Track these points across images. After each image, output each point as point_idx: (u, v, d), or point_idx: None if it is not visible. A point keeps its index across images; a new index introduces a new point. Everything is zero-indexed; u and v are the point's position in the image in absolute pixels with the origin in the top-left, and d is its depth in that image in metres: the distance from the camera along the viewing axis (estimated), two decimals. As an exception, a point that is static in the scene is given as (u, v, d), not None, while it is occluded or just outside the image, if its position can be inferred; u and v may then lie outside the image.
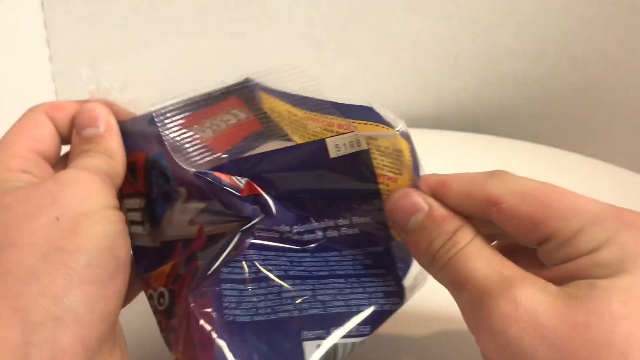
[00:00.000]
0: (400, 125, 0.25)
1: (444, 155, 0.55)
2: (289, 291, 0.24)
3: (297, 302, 0.24)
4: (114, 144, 0.25)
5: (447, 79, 0.60)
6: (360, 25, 0.57)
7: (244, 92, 0.31)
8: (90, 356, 0.20)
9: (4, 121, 0.49)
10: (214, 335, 0.21)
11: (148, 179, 0.26)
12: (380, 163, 0.24)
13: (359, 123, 0.25)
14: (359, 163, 0.24)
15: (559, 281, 0.19)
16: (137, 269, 0.25)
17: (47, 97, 0.55)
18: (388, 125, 0.25)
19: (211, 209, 0.24)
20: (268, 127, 0.28)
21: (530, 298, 0.18)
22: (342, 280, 0.25)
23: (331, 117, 0.26)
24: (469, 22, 0.57)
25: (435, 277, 0.23)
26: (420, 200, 0.23)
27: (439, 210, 0.22)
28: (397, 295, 0.25)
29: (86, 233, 0.21)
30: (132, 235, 0.24)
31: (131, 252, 0.24)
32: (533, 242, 0.22)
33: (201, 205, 0.24)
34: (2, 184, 0.22)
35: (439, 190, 0.23)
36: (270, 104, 0.30)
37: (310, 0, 0.55)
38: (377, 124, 0.25)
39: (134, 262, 0.25)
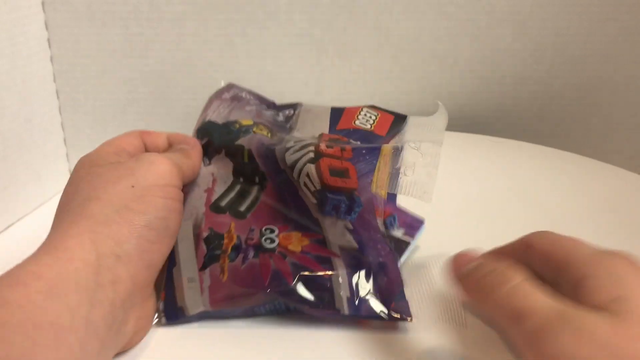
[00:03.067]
0: None
1: (444, 155, 0.55)
2: None
3: None
4: (194, 154, 0.35)
5: (447, 80, 0.60)
6: (360, 25, 0.57)
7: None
8: (134, 291, 0.27)
9: (4, 121, 0.50)
10: None
11: None
12: None
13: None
14: None
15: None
16: None
17: (48, 97, 0.55)
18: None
19: None
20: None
21: (591, 324, 0.20)
22: None
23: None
24: (468, 22, 0.57)
25: (487, 312, 0.25)
26: (474, 255, 0.28)
27: (491, 255, 0.27)
28: None
29: (150, 201, 0.28)
30: None
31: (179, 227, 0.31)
32: (557, 278, 0.25)
33: None
34: (99, 160, 0.31)
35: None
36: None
37: (310, 0, 0.55)
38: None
39: None
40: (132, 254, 0.26)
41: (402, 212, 0.39)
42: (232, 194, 0.34)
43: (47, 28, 0.54)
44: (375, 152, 0.34)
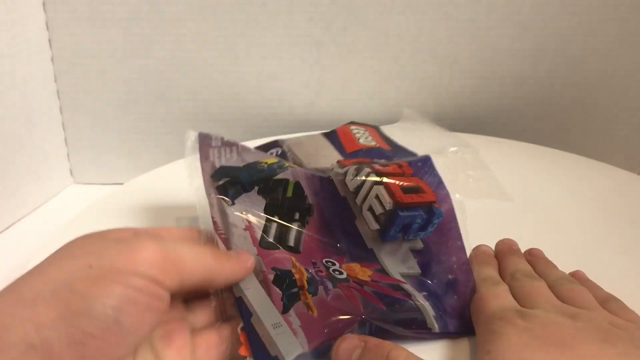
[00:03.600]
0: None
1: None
2: None
3: None
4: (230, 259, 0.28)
5: (446, 80, 0.60)
6: (360, 26, 0.57)
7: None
8: None
9: (5, 121, 0.50)
10: None
11: None
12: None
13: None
14: None
15: None
16: None
17: (48, 97, 0.55)
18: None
19: None
20: None
21: None
22: None
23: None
24: (468, 22, 0.57)
25: None
26: (357, 339, 0.27)
27: (372, 341, 0.27)
28: None
29: (104, 286, 0.22)
30: None
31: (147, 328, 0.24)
32: None
33: None
34: (105, 233, 0.26)
35: None
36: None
37: (310, 0, 0.55)
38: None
39: None
40: (54, 344, 0.21)
41: None
42: (272, 231, 0.32)
43: (47, 28, 0.54)
44: (428, 162, 0.35)
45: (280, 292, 0.28)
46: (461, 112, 0.62)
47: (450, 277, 0.32)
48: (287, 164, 0.36)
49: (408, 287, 0.31)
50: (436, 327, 0.30)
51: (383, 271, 0.32)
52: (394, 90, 0.60)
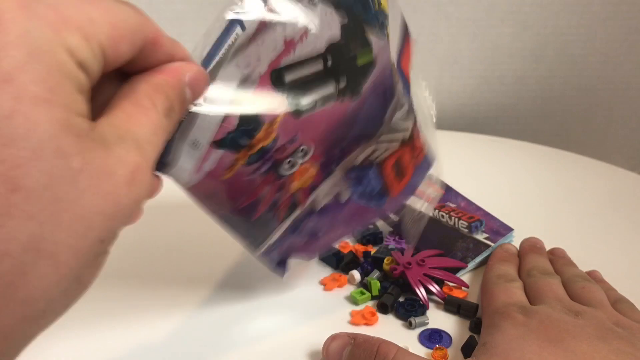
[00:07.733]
0: None
1: (443, 155, 0.55)
2: None
3: None
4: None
5: (447, 79, 0.60)
6: (360, 25, 0.57)
7: None
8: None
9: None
10: None
11: None
12: None
13: None
14: None
15: None
16: None
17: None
18: None
19: None
20: None
21: None
22: None
23: None
24: (468, 22, 0.57)
25: None
26: (346, 337, 0.28)
27: (361, 337, 0.28)
28: None
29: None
30: None
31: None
32: None
33: None
34: None
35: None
36: None
37: (310, 0, 0.55)
38: None
39: None
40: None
41: (491, 218, 0.40)
42: (304, 71, 0.25)
43: (46, 27, 0.54)
44: (428, 162, 0.35)
45: (235, 127, 0.23)
46: (461, 112, 0.61)
47: (323, 232, 0.32)
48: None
49: (302, 209, 0.30)
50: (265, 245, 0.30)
51: (313, 189, 0.29)
52: (393, 90, 0.60)
